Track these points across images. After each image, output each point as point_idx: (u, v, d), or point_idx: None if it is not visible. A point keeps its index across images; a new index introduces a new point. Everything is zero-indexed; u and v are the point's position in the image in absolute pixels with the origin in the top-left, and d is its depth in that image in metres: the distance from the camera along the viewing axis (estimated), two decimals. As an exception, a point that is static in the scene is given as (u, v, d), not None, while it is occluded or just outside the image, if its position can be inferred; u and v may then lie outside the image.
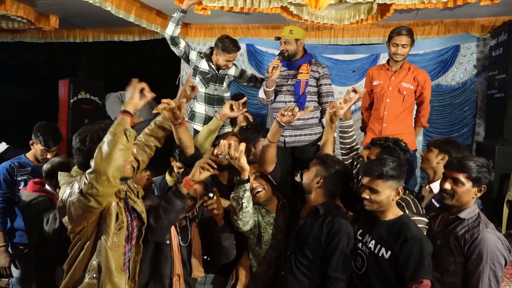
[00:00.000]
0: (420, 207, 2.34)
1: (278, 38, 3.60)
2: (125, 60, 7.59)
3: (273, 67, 3.40)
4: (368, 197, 2.09)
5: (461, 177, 2.11)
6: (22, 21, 5.50)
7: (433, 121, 5.79)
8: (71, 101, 6.57)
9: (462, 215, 2.13)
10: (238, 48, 3.76)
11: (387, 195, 2.07)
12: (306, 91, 3.51)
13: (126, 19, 4.83)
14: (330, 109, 2.52)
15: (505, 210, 4.45)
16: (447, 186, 2.15)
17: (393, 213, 2.13)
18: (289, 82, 3.57)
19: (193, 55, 3.83)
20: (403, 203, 2.31)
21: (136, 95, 1.87)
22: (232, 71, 3.97)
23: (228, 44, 3.66)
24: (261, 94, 3.67)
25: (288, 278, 2.25)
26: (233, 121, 5.17)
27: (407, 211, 2.26)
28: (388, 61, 3.77)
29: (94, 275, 1.82)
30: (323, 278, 2.21)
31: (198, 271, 2.38)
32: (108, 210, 1.82)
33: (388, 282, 2.04)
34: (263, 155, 2.49)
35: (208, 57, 3.83)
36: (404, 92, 3.65)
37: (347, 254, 2.19)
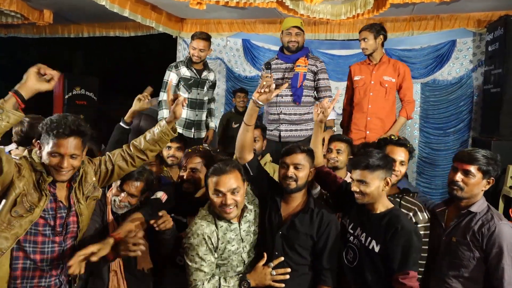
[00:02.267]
0: (427, 213, 2.34)
1: (297, 28, 3.52)
2: (120, 55, 7.53)
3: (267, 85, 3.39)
4: (358, 189, 2.10)
5: (472, 169, 2.13)
6: (16, 16, 5.46)
7: (429, 116, 5.80)
8: (66, 96, 6.54)
9: (473, 208, 2.14)
10: (203, 37, 3.79)
11: (376, 186, 2.08)
12: (304, 85, 3.51)
13: (120, 14, 4.79)
14: (317, 111, 2.42)
15: (501, 205, 4.46)
16: (458, 178, 2.16)
17: (384, 205, 2.14)
18: (286, 75, 3.56)
19: (176, 74, 3.91)
20: (415, 208, 2.30)
21: (31, 76, 1.69)
22: (211, 77, 4.06)
23: (195, 33, 3.85)
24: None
25: (285, 282, 2.19)
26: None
27: (420, 217, 2.26)
28: (368, 57, 3.86)
29: None
30: (315, 270, 2.21)
31: (144, 263, 2.30)
32: (7, 190, 1.78)
33: (380, 275, 2.05)
34: (240, 141, 2.31)
35: (189, 61, 3.90)
36: (386, 85, 3.73)
37: (337, 245, 2.21)
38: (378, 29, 3.71)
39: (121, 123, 2.74)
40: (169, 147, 3.00)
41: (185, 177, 2.43)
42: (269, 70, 3.45)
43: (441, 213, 2.31)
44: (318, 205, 2.29)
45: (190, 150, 2.53)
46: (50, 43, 7.10)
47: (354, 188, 2.10)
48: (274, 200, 2.33)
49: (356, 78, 3.89)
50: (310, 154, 2.31)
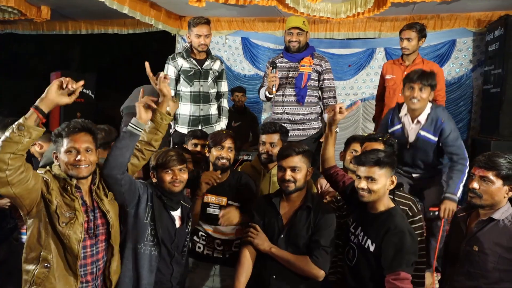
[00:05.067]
0: (419, 205, 2.35)
1: (298, 28, 3.45)
2: (118, 53, 7.48)
3: (273, 85, 3.37)
4: (366, 187, 2.05)
5: (490, 175, 1.97)
6: (13, 11, 5.41)
7: (429, 116, 5.78)
8: (63, 94, 6.48)
9: (496, 215, 1.98)
10: (205, 21, 3.49)
11: (383, 184, 2.05)
12: (308, 85, 3.48)
13: (120, 11, 4.75)
14: (329, 113, 2.38)
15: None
16: (475, 185, 2.00)
17: (384, 205, 2.10)
18: (290, 75, 3.51)
19: (174, 66, 3.61)
20: (409, 202, 2.30)
21: (52, 90, 1.75)
22: (216, 66, 3.69)
23: (193, 19, 3.50)
24: (261, 96, 3.66)
25: (284, 279, 2.20)
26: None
27: (415, 209, 2.26)
28: (402, 56, 3.81)
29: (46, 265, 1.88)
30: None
31: None
32: (42, 210, 1.86)
33: (376, 275, 2.02)
34: None
35: (187, 52, 3.59)
36: None
37: (333, 235, 2.19)
38: (421, 29, 3.64)
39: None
40: (196, 145, 3.01)
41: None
42: (274, 70, 3.39)
43: (462, 218, 2.16)
44: (317, 202, 2.29)
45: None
46: (47, 39, 7.04)
47: (362, 185, 2.05)
48: (271, 203, 2.32)
49: (387, 77, 3.84)
50: (306, 154, 2.30)
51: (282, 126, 2.81)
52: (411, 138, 2.90)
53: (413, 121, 2.88)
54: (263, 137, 2.76)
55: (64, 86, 1.75)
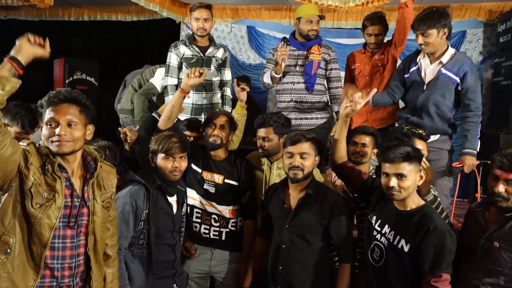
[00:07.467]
0: None
1: (323, 17, 3.56)
2: (121, 41, 7.40)
3: (282, 59, 3.29)
4: (396, 185, 1.94)
5: None
6: (15, -3, 5.33)
7: (436, 108, 5.70)
8: (67, 81, 6.44)
9: None
10: (205, 5, 3.46)
11: (413, 180, 1.95)
12: (317, 73, 3.45)
13: (123, -3, 4.67)
14: (346, 103, 2.24)
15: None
16: (501, 189, 1.91)
17: (414, 202, 2.00)
18: (299, 62, 3.48)
19: (176, 54, 3.56)
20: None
21: (25, 40, 1.64)
22: (220, 54, 3.66)
23: (193, 5, 3.48)
24: (266, 79, 3.54)
25: (290, 271, 2.19)
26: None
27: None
28: (364, 45, 3.75)
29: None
30: (335, 252, 2.28)
31: None
32: (18, 185, 1.64)
33: (406, 277, 1.94)
34: None
35: (189, 39, 3.56)
36: (379, 64, 3.61)
37: (350, 224, 2.24)
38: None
39: (153, 114, 2.91)
40: (188, 136, 2.95)
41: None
42: (285, 45, 3.35)
43: (480, 212, 2.09)
44: (322, 188, 2.27)
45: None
46: (50, 26, 6.95)
47: (392, 183, 1.94)
48: (277, 193, 2.32)
49: (353, 66, 3.81)
50: (315, 142, 2.27)
51: (279, 118, 2.71)
52: (429, 77, 2.89)
53: (431, 63, 2.88)
54: (258, 132, 2.72)
55: (32, 39, 1.65)
